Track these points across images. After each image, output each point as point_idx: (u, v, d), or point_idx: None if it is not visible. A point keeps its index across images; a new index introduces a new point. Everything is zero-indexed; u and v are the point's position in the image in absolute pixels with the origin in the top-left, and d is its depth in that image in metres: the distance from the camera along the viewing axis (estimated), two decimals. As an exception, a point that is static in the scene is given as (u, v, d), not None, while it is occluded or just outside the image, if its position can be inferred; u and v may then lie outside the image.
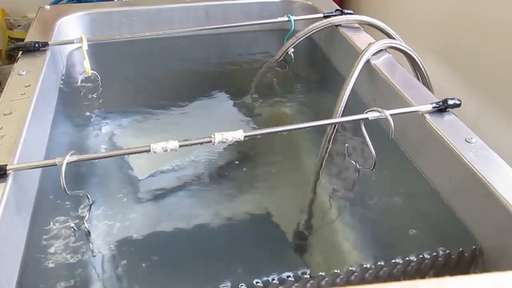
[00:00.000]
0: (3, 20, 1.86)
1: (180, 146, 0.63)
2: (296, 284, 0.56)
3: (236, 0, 1.15)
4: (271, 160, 0.81)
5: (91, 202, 0.67)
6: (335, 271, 0.57)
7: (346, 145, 0.79)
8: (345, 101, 0.80)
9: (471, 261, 0.61)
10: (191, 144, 0.64)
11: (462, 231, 0.63)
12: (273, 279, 0.56)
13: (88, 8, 1.09)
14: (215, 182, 0.76)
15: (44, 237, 0.62)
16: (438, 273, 0.60)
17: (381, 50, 0.89)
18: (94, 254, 0.61)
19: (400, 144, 0.78)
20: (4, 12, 1.87)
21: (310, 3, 1.16)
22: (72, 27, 1.07)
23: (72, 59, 1.04)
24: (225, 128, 0.65)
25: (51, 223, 0.64)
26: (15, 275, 0.56)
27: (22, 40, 0.94)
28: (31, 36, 0.97)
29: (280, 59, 1.05)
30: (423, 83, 0.92)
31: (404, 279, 0.59)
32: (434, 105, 0.72)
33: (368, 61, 0.86)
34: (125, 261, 0.60)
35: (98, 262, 0.60)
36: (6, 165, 0.59)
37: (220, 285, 0.55)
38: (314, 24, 1.00)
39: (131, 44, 1.06)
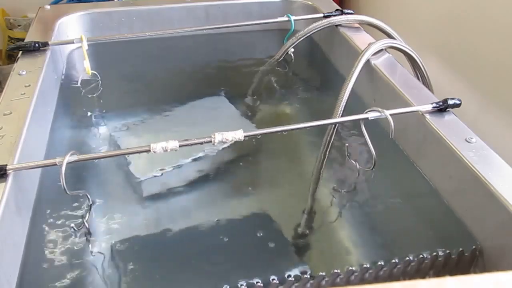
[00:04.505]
0: (3, 20, 1.86)
1: (180, 146, 0.63)
2: (296, 284, 0.56)
3: (236, 0, 1.15)
4: (271, 160, 0.81)
5: (91, 202, 0.67)
6: (335, 271, 0.57)
7: (346, 145, 0.79)
8: (345, 101, 0.80)
9: (471, 261, 0.61)
10: (191, 144, 0.64)
11: (462, 231, 0.63)
12: (273, 279, 0.56)
13: (88, 8, 1.09)
14: (215, 182, 0.76)
15: (44, 237, 0.62)
16: (438, 273, 0.60)
17: (381, 50, 0.89)
18: (94, 254, 0.61)
19: (400, 144, 0.78)
20: (4, 12, 1.87)
21: (310, 3, 1.16)
22: (72, 27, 1.07)
23: (72, 59, 1.04)
24: (225, 128, 0.65)
25: (51, 223, 0.64)
26: (15, 275, 0.56)
27: (22, 40, 0.94)
28: (31, 36, 0.97)
29: (280, 59, 1.05)
30: (423, 83, 0.92)
31: (404, 279, 0.59)
32: (434, 105, 0.72)
33: (368, 61, 0.85)
34: (125, 261, 0.60)
35: (98, 262, 0.60)
36: (6, 165, 0.59)
37: (221, 285, 0.55)
38: (314, 24, 1.00)
39: (131, 44, 1.06)
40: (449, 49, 1.14)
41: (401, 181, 0.75)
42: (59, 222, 0.64)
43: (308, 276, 0.56)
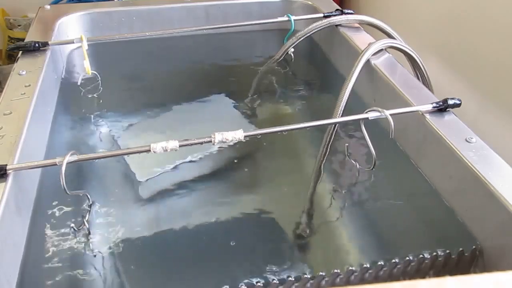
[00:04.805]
0: (3, 20, 1.86)
1: (180, 146, 0.63)
2: (296, 284, 0.56)
3: (236, 0, 1.15)
4: (271, 160, 0.81)
5: (91, 202, 0.67)
6: (335, 271, 0.57)
7: (346, 145, 0.79)
8: (345, 101, 0.80)
9: (471, 261, 0.61)
10: (191, 144, 0.64)
11: (462, 231, 0.63)
12: (273, 279, 0.56)
13: (88, 8, 1.09)
14: (215, 182, 0.76)
15: (44, 237, 0.62)
16: (438, 273, 0.60)
17: (381, 50, 0.89)
18: (94, 254, 0.61)
19: (400, 144, 0.78)
20: (4, 12, 1.87)
21: (310, 3, 1.16)
22: (72, 27, 1.07)
23: (72, 59, 1.04)
24: (225, 128, 0.65)
25: (51, 223, 0.64)
26: (15, 275, 0.56)
27: (22, 40, 0.94)
28: (31, 36, 0.97)
29: (280, 59, 1.05)
30: (423, 83, 0.92)
31: (404, 279, 0.59)
32: (434, 105, 0.72)
33: (368, 61, 0.85)
34: (125, 261, 0.60)
35: (98, 262, 0.60)
36: (6, 165, 0.59)
37: (221, 285, 0.55)
38: (314, 24, 1.00)
39: (131, 44, 1.06)
40: (449, 49, 1.14)
41: (401, 181, 0.75)
42: (59, 222, 0.64)
43: (308, 276, 0.56)
